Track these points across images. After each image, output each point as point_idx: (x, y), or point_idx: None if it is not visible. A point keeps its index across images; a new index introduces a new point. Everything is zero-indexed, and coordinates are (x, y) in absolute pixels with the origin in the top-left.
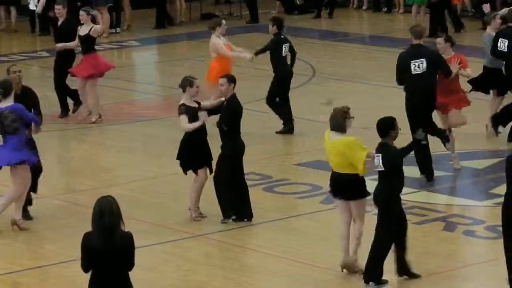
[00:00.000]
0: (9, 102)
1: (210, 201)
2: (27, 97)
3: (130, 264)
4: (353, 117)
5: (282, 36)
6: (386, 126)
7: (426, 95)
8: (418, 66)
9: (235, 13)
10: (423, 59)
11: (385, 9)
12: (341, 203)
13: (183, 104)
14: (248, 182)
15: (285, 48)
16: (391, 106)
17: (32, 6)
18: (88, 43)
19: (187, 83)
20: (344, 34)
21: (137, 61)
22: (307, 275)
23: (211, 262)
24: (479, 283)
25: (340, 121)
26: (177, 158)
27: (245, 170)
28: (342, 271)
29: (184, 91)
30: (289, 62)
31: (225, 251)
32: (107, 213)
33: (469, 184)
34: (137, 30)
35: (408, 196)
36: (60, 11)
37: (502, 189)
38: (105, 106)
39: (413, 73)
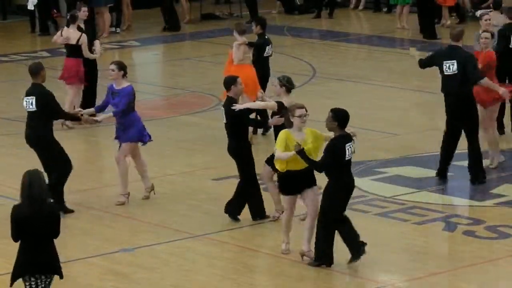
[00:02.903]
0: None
1: (210, 201)
2: None
3: (56, 232)
4: (301, 116)
5: (266, 37)
6: (348, 118)
7: (456, 97)
8: (449, 67)
9: (235, 13)
10: (454, 61)
11: (385, 9)
12: (292, 198)
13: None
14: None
15: (268, 49)
16: (391, 106)
17: (30, 6)
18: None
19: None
20: (345, 34)
21: (137, 61)
22: (307, 275)
23: (211, 262)
24: (479, 283)
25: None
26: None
27: None
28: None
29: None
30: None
31: (225, 251)
32: (36, 184)
33: (469, 184)
34: (137, 30)
35: (408, 196)
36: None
37: (502, 189)
38: None
39: (445, 73)
